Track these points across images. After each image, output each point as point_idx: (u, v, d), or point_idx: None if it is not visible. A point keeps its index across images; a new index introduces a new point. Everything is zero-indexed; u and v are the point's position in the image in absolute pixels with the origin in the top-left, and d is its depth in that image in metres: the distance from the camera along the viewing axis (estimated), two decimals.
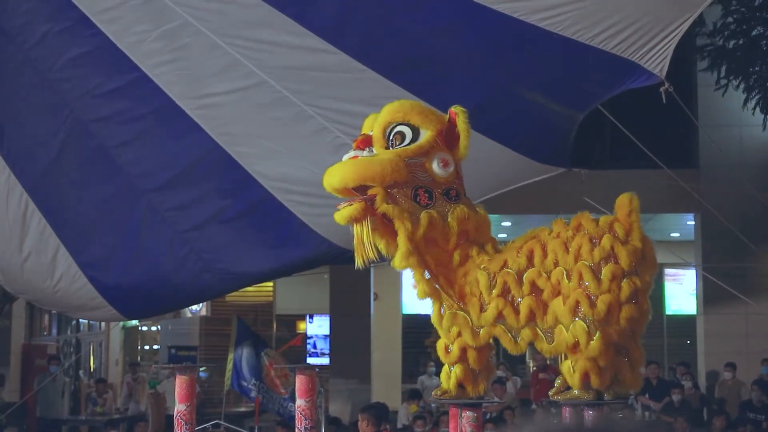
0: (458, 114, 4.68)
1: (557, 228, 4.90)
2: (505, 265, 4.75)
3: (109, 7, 7.67)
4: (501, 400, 12.16)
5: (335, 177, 4.61)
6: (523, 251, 4.79)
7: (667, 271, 17.69)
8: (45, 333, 21.09)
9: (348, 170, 4.59)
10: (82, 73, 8.09)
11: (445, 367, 4.82)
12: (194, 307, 18.63)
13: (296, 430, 6.16)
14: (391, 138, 4.63)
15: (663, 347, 17.75)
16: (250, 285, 11.67)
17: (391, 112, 4.68)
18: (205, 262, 9.05)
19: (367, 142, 4.66)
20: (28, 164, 8.65)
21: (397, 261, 4.64)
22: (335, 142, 7.87)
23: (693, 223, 15.70)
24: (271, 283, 18.63)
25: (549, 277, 4.70)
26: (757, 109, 13.70)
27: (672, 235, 16.88)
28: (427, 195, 4.62)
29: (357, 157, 4.63)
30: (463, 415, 4.84)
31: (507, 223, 16.32)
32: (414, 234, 4.59)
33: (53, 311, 18.09)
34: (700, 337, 15.56)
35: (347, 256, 4.67)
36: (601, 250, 4.68)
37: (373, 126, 4.74)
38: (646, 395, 13.17)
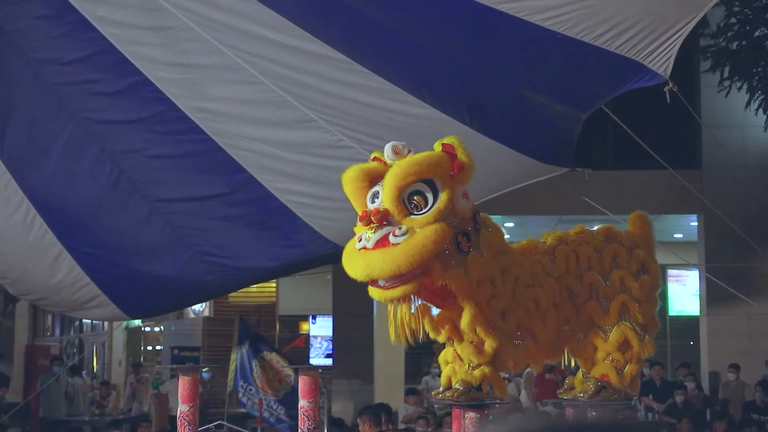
0: (456, 147, 4.49)
1: (585, 234, 5.12)
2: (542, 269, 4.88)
3: (109, 10, 7.65)
4: (504, 400, 12.13)
5: (383, 269, 4.23)
6: (560, 258, 4.93)
7: (670, 272, 17.68)
8: (48, 333, 21.15)
9: (400, 258, 4.21)
10: (82, 78, 8.07)
11: (465, 367, 4.78)
12: (197, 308, 18.65)
13: (299, 430, 6.17)
14: (410, 204, 4.35)
15: (666, 348, 17.73)
16: (251, 284, 11.68)
17: (401, 177, 4.34)
18: (208, 264, 9.07)
19: (386, 217, 4.32)
20: (28, 169, 8.65)
21: (467, 325, 4.54)
22: (338, 144, 7.88)
23: (696, 223, 15.69)
24: (273, 284, 18.63)
25: (581, 281, 4.94)
26: (760, 110, 13.68)
27: (675, 236, 16.86)
28: (465, 238, 4.46)
29: (385, 236, 4.29)
30: (466, 415, 4.84)
31: (510, 224, 16.30)
32: (474, 292, 4.50)
33: (57, 312, 18.11)
34: (703, 338, 15.54)
35: None
36: (636, 260, 5.03)
37: (358, 189, 4.49)
38: (650, 396, 13.16)
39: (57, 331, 21.41)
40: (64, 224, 8.91)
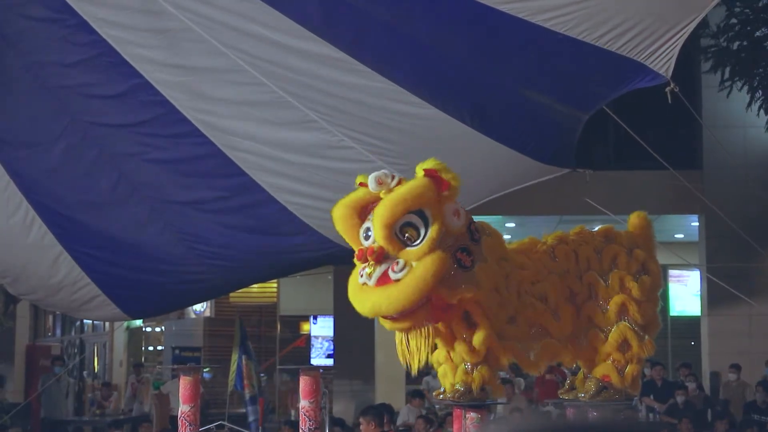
0: (440, 171, 4.43)
1: (584, 234, 5.12)
2: (546, 270, 4.88)
3: (109, 12, 7.63)
4: (509, 400, 12.18)
5: (389, 307, 4.30)
6: (560, 257, 4.94)
7: (672, 272, 17.67)
8: (49, 334, 21.13)
9: (404, 294, 4.28)
10: (82, 80, 8.05)
11: (461, 367, 4.80)
12: (198, 308, 18.66)
13: (300, 431, 6.17)
14: (403, 236, 4.35)
15: (667, 348, 17.72)
16: (251, 284, 11.70)
17: (387, 216, 4.35)
18: (208, 265, 9.08)
19: (382, 255, 4.34)
20: (28, 171, 8.64)
21: (481, 343, 4.60)
22: (339, 144, 7.87)
23: (697, 224, 15.69)
24: (274, 284, 18.63)
25: (581, 281, 4.94)
26: (761, 110, 13.68)
27: (676, 236, 16.86)
28: (465, 253, 4.48)
29: (385, 272, 4.33)
30: (467, 416, 4.85)
31: (511, 224, 16.30)
32: (486, 311, 4.55)
33: (57, 312, 18.13)
34: (704, 338, 15.54)
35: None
36: (636, 261, 5.02)
37: (350, 228, 4.52)
38: (651, 396, 13.16)
39: (58, 332, 21.39)
40: (64, 225, 8.91)
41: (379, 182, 4.49)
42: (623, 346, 4.90)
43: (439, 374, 4.94)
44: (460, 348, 4.72)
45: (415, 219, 4.37)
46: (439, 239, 4.36)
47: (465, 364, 4.74)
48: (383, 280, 4.33)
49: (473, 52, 7.32)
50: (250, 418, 12.63)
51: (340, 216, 4.58)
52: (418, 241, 4.35)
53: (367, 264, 4.38)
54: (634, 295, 4.93)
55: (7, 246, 9.09)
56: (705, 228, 15.17)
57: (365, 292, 4.38)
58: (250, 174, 8.25)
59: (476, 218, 4.77)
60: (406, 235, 4.36)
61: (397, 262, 4.33)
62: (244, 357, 12.66)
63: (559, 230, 5.18)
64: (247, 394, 12.68)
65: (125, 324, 18.44)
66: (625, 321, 4.90)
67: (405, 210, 4.35)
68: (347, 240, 4.60)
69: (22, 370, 18.15)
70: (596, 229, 5.22)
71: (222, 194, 8.54)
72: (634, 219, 5.29)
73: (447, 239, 4.42)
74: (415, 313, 4.37)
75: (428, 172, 4.45)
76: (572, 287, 4.90)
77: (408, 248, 4.35)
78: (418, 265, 4.31)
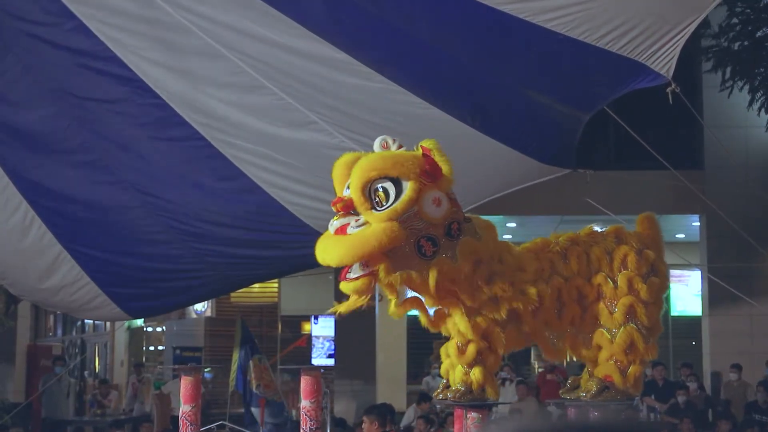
0: (432, 150, 4.53)
1: (595, 235, 5.11)
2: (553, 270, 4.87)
3: (107, 14, 7.62)
4: (521, 400, 12.21)
5: (330, 256, 4.43)
6: (572, 259, 4.92)
7: (672, 272, 17.63)
8: (50, 334, 21.16)
9: (343, 249, 4.39)
10: (81, 83, 8.03)
11: (459, 368, 4.82)
12: (199, 308, 18.66)
13: (301, 431, 6.18)
14: (374, 197, 4.44)
15: (668, 348, 17.72)
16: (252, 283, 11.68)
17: (365, 170, 4.45)
18: (208, 264, 9.08)
19: (349, 207, 4.46)
20: (26, 171, 8.64)
21: (424, 321, 4.81)
22: (339, 146, 7.87)
23: (698, 224, 15.69)
24: (275, 284, 18.65)
25: (590, 282, 4.93)
26: (762, 110, 13.69)
27: (677, 236, 16.86)
28: (430, 243, 4.51)
29: (346, 225, 4.46)
30: (468, 416, 4.85)
31: (512, 224, 16.31)
32: (429, 291, 4.62)
33: (58, 312, 18.14)
34: (705, 338, 15.55)
35: None
36: (646, 261, 4.98)
37: (342, 176, 4.60)
38: (652, 396, 13.16)
39: (59, 332, 21.42)
40: (63, 225, 8.92)
41: (383, 146, 4.62)
42: (629, 348, 4.89)
43: (444, 366, 4.95)
44: (451, 349, 4.81)
45: (390, 186, 4.44)
46: (403, 213, 4.42)
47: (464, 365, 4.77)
48: (342, 230, 4.47)
49: (474, 53, 7.32)
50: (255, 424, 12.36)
51: (339, 163, 4.69)
52: (385, 207, 4.41)
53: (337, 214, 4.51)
54: (642, 297, 4.90)
55: (7, 247, 9.10)
56: (706, 228, 15.19)
57: (324, 238, 4.55)
58: (249, 175, 8.25)
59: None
60: (377, 198, 4.43)
61: (358, 219, 4.44)
62: (256, 357, 12.48)
63: (561, 230, 5.17)
64: (265, 395, 12.35)
65: (126, 324, 18.46)
66: (632, 323, 4.88)
67: (381, 172, 4.43)
68: (335, 187, 4.70)
69: (23, 370, 18.18)
70: (605, 228, 5.18)
71: (222, 196, 8.54)
72: (642, 220, 5.24)
73: (415, 221, 4.47)
74: (360, 279, 4.43)
75: (424, 150, 4.55)
76: (581, 289, 4.89)
77: (373, 210, 4.42)
78: (369, 228, 4.40)
